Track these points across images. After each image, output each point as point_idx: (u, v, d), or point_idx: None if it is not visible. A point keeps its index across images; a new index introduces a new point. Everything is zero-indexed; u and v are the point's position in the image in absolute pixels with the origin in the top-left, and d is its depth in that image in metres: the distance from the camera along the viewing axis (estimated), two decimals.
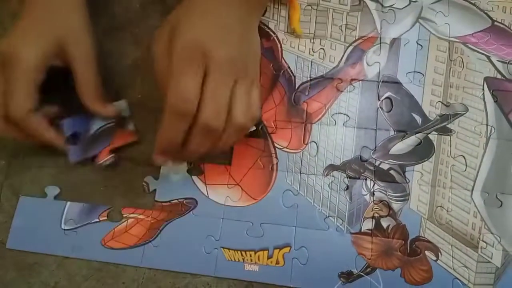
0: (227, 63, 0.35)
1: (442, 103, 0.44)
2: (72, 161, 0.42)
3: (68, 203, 0.43)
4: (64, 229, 0.42)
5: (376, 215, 0.41)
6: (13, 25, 0.41)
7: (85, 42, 0.42)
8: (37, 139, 0.41)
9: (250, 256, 0.40)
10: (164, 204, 0.42)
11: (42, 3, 0.42)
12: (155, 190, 0.43)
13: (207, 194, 0.42)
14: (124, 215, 0.42)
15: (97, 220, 0.42)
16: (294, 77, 0.45)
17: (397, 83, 0.45)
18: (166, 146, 0.37)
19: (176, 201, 0.42)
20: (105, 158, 0.43)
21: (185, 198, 0.42)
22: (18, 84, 0.39)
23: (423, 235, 0.40)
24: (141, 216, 0.42)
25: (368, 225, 0.40)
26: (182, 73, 0.34)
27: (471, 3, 0.47)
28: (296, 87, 0.45)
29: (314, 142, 0.43)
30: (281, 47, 0.47)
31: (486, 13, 0.46)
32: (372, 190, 0.41)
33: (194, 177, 0.43)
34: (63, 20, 0.42)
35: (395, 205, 0.41)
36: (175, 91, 0.34)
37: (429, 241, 0.40)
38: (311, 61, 0.46)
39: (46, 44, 0.40)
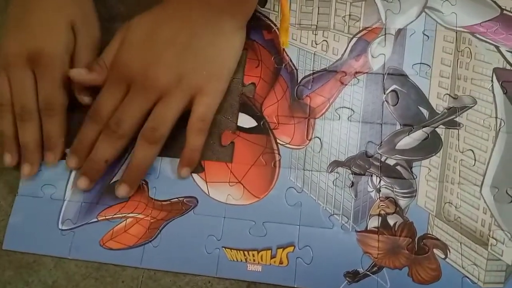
0: (148, 82, 0.39)
1: (449, 95, 0.42)
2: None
3: (66, 202, 0.42)
4: (62, 229, 0.41)
5: (382, 212, 0.39)
6: (23, 17, 0.41)
7: (91, 24, 0.44)
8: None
9: (253, 256, 0.39)
10: (163, 203, 0.41)
11: None
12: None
13: (208, 192, 0.41)
14: (123, 215, 0.41)
15: (96, 219, 0.41)
16: (296, 70, 0.44)
17: (403, 75, 0.43)
18: (76, 145, 0.41)
19: (176, 199, 0.41)
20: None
21: (185, 197, 0.41)
22: (53, 82, 0.41)
23: (431, 233, 0.39)
24: (140, 216, 0.41)
25: (374, 222, 0.39)
26: (105, 89, 0.40)
27: None
28: (299, 81, 0.44)
29: (318, 137, 0.42)
30: None
31: (494, 2, 0.45)
32: (378, 186, 0.40)
33: (195, 175, 0.42)
34: (74, 5, 0.43)
35: (402, 202, 0.40)
36: (95, 102, 0.40)
37: (437, 239, 0.38)
38: (314, 54, 0.44)
39: (66, 35, 0.42)
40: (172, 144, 0.41)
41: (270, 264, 0.39)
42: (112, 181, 0.42)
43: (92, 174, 0.41)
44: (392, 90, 0.43)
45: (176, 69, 0.39)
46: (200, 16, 0.40)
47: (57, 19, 0.42)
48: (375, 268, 0.38)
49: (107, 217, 0.41)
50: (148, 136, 0.39)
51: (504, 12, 0.44)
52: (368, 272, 0.38)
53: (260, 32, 0.46)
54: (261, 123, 0.43)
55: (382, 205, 0.40)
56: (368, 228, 0.39)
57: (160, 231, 0.40)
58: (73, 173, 0.43)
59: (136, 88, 0.39)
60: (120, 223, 0.41)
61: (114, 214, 0.41)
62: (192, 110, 0.40)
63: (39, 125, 0.42)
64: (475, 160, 0.40)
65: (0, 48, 0.42)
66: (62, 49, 0.41)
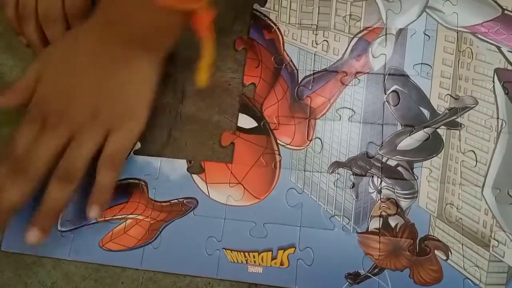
0: (62, 119, 0.37)
1: (451, 96, 0.42)
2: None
3: None
4: (61, 231, 0.41)
5: (383, 213, 0.39)
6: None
7: None
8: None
9: (254, 257, 0.39)
10: (163, 204, 0.41)
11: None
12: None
13: (208, 193, 0.41)
14: (123, 216, 0.41)
15: (95, 221, 0.41)
16: (297, 70, 0.44)
17: (404, 75, 0.43)
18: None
19: (176, 201, 0.41)
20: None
21: (185, 198, 0.41)
22: None
23: (432, 234, 0.38)
24: (140, 217, 0.41)
25: (375, 224, 0.39)
26: (21, 126, 0.38)
27: None
28: (299, 81, 0.43)
29: (319, 138, 0.42)
30: (282, 39, 0.45)
31: (495, 2, 0.45)
32: (379, 187, 0.40)
33: (195, 176, 0.41)
34: None
35: (403, 203, 0.39)
36: (10, 140, 0.38)
37: (438, 240, 0.38)
38: (314, 54, 0.44)
39: None
40: (173, 144, 0.41)
41: (270, 265, 0.39)
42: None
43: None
44: (393, 91, 0.43)
45: (91, 106, 0.38)
46: (116, 51, 0.38)
47: None
48: (376, 270, 0.38)
49: (106, 218, 0.41)
50: (61, 176, 0.37)
51: (506, 12, 0.44)
52: (369, 274, 0.38)
53: (260, 31, 0.45)
54: (262, 123, 0.43)
55: (383, 206, 0.39)
56: (369, 230, 0.39)
57: (160, 232, 0.40)
58: None
59: (50, 125, 0.37)
60: (120, 224, 0.41)
61: (114, 215, 0.41)
62: (104, 147, 0.38)
63: (66, 26, 0.43)
64: (476, 161, 0.40)
65: None
66: None
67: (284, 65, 0.44)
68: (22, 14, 0.43)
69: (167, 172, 0.42)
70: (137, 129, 0.39)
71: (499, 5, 0.44)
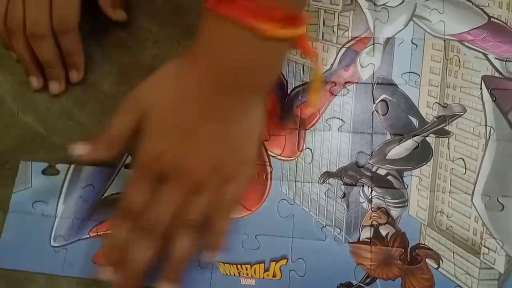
0: (183, 176, 0.35)
1: (439, 104, 0.42)
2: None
3: (57, 218, 0.42)
4: (54, 246, 0.41)
5: (374, 223, 0.39)
6: None
7: None
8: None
9: (246, 269, 0.39)
10: None
11: None
12: None
13: None
14: None
15: (88, 236, 0.41)
16: (286, 81, 0.44)
17: (393, 84, 0.43)
18: (109, 250, 0.36)
19: None
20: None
21: None
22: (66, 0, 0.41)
23: (423, 242, 0.39)
24: None
25: (366, 233, 0.39)
26: (134, 185, 0.36)
27: None
28: (288, 92, 0.44)
29: (309, 148, 0.42)
30: None
31: (482, 9, 0.45)
32: (370, 197, 0.40)
33: None
34: None
35: (394, 212, 0.40)
36: (124, 200, 0.36)
37: (429, 248, 0.38)
38: (303, 65, 0.44)
39: None
40: None
41: (263, 277, 0.39)
42: (103, 196, 0.42)
43: (131, 283, 0.36)
44: (382, 100, 0.43)
45: (211, 159, 0.36)
46: (225, 99, 0.36)
47: None
48: (369, 280, 0.38)
49: (99, 233, 0.41)
50: (191, 227, 0.36)
51: (492, 19, 0.45)
52: (361, 284, 0.38)
53: None
54: None
55: (374, 216, 0.40)
56: (360, 239, 0.39)
57: None
58: (65, 189, 0.42)
59: (170, 184, 0.35)
60: None
61: (106, 231, 0.41)
62: (221, 196, 0.36)
63: (54, 42, 0.43)
64: (465, 168, 0.40)
65: None
66: None
67: None
68: (11, 28, 0.43)
69: None
70: (252, 175, 0.39)
71: (485, 12, 0.45)
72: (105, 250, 0.37)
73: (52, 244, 0.41)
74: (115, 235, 0.36)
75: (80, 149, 0.36)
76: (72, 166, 0.43)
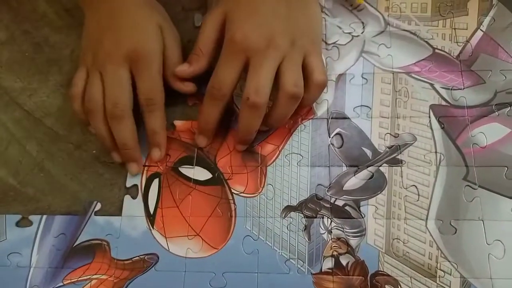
0: (266, 50, 0.41)
1: (390, 134, 0.45)
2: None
3: (32, 269, 0.43)
4: None
5: (335, 253, 0.41)
6: (114, 22, 0.44)
7: (173, 27, 0.47)
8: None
9: None
10: (126, 262, 0.42)
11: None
12: None
13: (168, 247, 0.42)
14: (87, 277, 0.42)
15: (61, 284, 0.42)
16: None
17: (346, 118, 0.45)
18: (203, 126, 0.45)
19: (137, 257, 0.42)
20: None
21: (146, 254, 0.42)
22: (153, 78, 0.43)
23: (382, 270, 0.40)
24: (104, 277, 0.42)
25: (328, 264, 0.41)
26: (223, 65, 0.42)
27: (411, 32, 0.48)
28: None
29: (270, 184, 0.44)
30: None
31: (426, 42, 0.48)
32: (330, 228, 0.42)
33: (154, 232, 0.43)
34: (158, 8, 0.47)
35: (353, 241, 0.41)
36: (213, 79, 0.42)
37: (388, 275, 0.40)
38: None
39: (159, 35, 0.44)
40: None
41: None
42: (75, 244, 0.43)
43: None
44: (337, 133, 0.45)
45: (289, 36, 0.42)
46: None
47: (147, 22, 0.44)
48: None
49: (72, 281, 0.42)
50: (293, 94, 0.42)
51: (436, 50, 0.47)
52: None
53: None
54: (216, 174, 0.45)
55: (334, 246, 0.41)
56: (322, 270, 0.41)
57: None
58: (38, 239, 0.44)
59: (259, 58, 0.41)
60: (86, 285, 0.42)
61: (79, 277, 0.42)
62: (310, 70, 0.43)
63: (133, 122, 0.44)
64: (418, 195, 0.42)
65: (87, 49, 0.45)
66: (157, 47, 0.44)
67: (234, 116, 0.47)
68: (88, 108, 0.43)
69: (128, 230, 0.43)
70: (321, 51, 0.46)
71: (430, 44, 0.48)
72: (201, 125, 0.45)
73: None
74: (207, 112, 0.44)
75: (180, 69, 0.45)
76: (44, 216, 0.45)
